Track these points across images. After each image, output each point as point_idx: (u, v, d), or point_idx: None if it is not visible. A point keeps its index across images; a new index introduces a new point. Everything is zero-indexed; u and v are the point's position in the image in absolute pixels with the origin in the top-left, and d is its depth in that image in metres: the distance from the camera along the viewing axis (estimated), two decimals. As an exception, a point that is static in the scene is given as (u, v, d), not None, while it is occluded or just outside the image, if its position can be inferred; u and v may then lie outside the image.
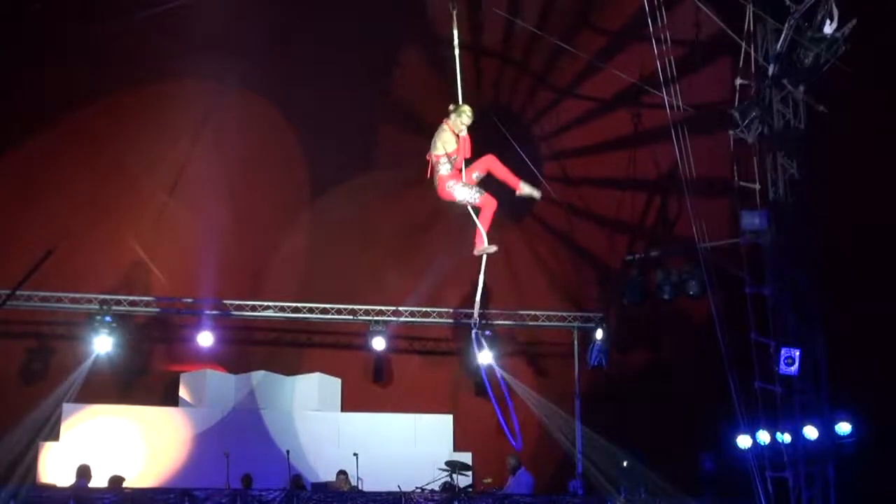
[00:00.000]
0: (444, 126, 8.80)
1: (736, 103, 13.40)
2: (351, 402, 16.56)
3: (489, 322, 16.17)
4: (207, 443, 15.18)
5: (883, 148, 12.55)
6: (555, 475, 15.87)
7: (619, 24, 14.98)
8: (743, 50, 13.07)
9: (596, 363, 16.17)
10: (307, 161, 16.08)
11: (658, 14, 12.60)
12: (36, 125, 14.98)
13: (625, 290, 15.49)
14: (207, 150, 15.52)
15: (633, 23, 14.30)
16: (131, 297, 15.55)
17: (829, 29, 12.15)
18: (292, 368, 16.64)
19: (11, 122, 14.60)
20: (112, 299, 15.41)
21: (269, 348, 16.95)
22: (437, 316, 16.28)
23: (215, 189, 15.59)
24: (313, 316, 16.23)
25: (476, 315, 10.54)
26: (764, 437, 13.27)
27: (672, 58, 13.00)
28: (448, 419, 16.45)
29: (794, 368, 12.71)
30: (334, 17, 14.64)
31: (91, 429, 15.20)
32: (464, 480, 14.99)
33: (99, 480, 13.18)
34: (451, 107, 8.91)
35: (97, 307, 15.31)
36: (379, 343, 15.99)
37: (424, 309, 16.18)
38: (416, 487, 13.53)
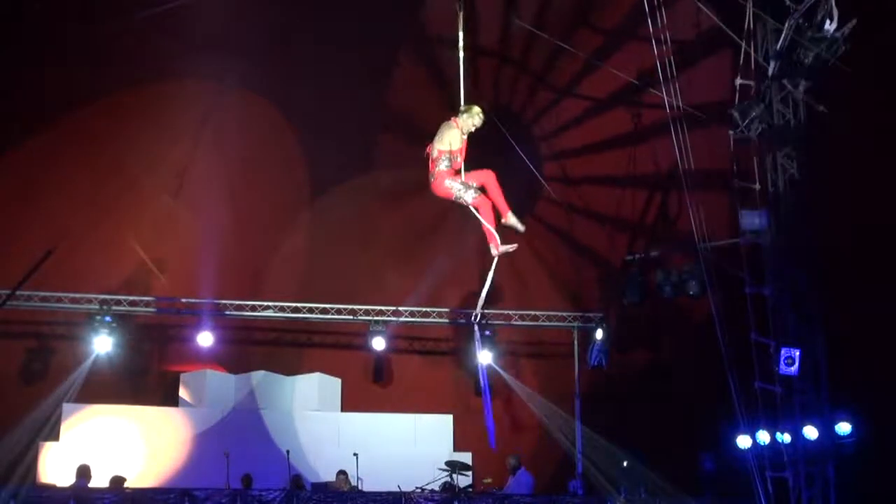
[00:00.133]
0: (453, 123, 8.78)
1: (736, 103, 13.40)
2: (351, 402, 16.56)
3: (489, 322, 16.16)
4: (207, 443, 15.19)
5: (883, 148, 12.54)
6: (555, 475, 15.87)
7: (618, 22, 14.98)
8: (743, 49, 13.07)
9: (596, 363, 16.17)
10: (307, 161, 16.08)
11: (658, 13, 12.59)
12: (36, 125, 14.98)
13: (625, 290, 15.48)
14: (207, 150, 15.53)
15: (631, 21, 14.30)
16: (131, 297, 15.56)
17: (829, 29, 12.14)
18: (292, 368, 16.64)
19: (11, 122, 14.60)
20: (112, 299, 15.41)
21: (269, 348, 16.95)
22: (437, 316, 16.29)
23: (215, 189, 15.59)
24: (313, 316, 16.23)
25: (479, 310, 10.49)
26: (764, 437, 13.27)
27: (671, 56, 12.98)
28: (448, 419, 16.45)
29: (794, 368, 12.71)
30: (334, 17, 14.64)
31: (91, 429, 15.21)
32: (464, 480, 14.99)
33: (99, 481, 13.19)
34: (463, 107, 8.88)
35: (97, 307, 15.32)
36: (379, 343, 16.00)
37: (424, 309, 16.19)
38: (416, 487, 13.54)
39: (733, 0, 12.96)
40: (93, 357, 15.30)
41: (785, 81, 13.10)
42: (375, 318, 16.10)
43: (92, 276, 15.56)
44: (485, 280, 9.19)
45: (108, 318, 15.29)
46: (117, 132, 15.28)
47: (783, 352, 12.76)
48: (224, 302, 15.84)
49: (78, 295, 15.36)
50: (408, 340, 17.11)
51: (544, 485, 15.21)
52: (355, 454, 13.93)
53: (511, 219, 8.97)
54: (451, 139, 8.68)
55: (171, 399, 16.09)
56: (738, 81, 13.29)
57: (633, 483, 13.61)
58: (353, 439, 15.12)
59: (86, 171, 15.37)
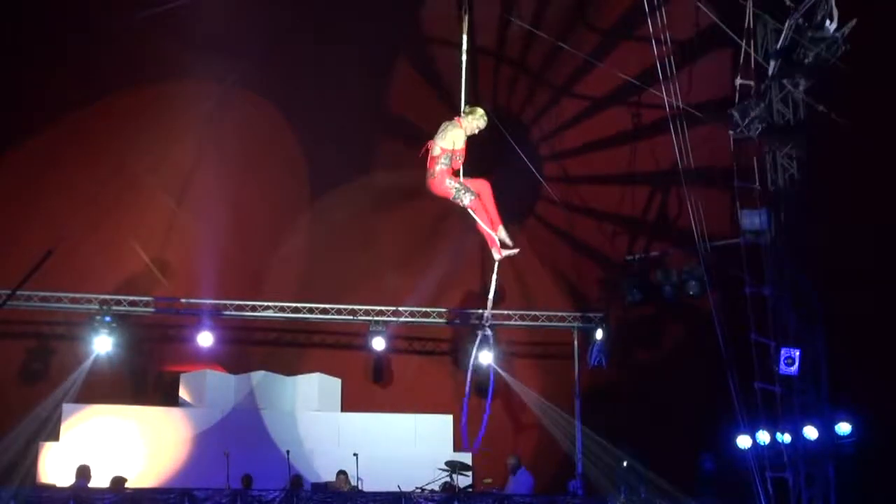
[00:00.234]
0: (457, 123, 8.78)
1: (736, 103, 13.40)
2: (351, 403, 16.56)
3: (489, 322, 16.16)
4: (207, 443, 15.19)
5: (883, 148, 12.54)
6: (555, 475, 15.86)
7: (616, 20, 14.98)
8: (743, 49, 13.07)
9: (596, 363, 16.16)
10: (307, 161, 16.07)
11: (658, 13, 12.59)
12: (36, 125, 14.98)
13: (625, 290, 15.48)
14: (208, 151, 15.52)
15: (629, 19, 14.31)
16: (131, 298, 15.55)
17: (829, 29, 12.14)
18: (292, 368, 16.64)
19: (11, 122, 14.60)
20: (112, 299, 15.41)
21: (269, 348, 16.95)
22: (437, 316, 16.28)
23: (215, 189, 15.57)
24: (313, 316, 16.23)
25: (489, 313, 10.47)
26: (764, 437, 13.28)
27: (671, 55, 12.98)
28: (448, 419, 16.45)
29: (794, 368, 12.72)
30: (334, 17, 14.64)
31: (91, 429, 15.21)
32: (464, 480, 15.00)
33: (99, 481, 13.20)
34: (467, 108, 8.89)
35: (97, 307, 15.31)
36: (379, 343, 15.99)
37: (424, 309, 16.18)
38: (416, 487, 13.56)
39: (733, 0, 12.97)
40: (93, 357, 15.29)
41: (785, 81, 13.10)
42: (375, 318, 16.09)
43: (92, 277, 15.55)
44: (488, 282, 9.17)
45: (108, 319, 15.27)
46: (117, 132, 15.27)
47: (783, 352, 12.77)
48: (224, 302, 15.84)
49: (78, 295, 15.35)
50: (408, 340, 17.11)
51: (544, 485, 15.21)
52: (355, 454, 13.93)
53: (502, 233, 8.96)
54: (455, 138, 8.68)
55: (171, 399, 16.09)
56: (738, 81, 13.30)
57: (633, 483, 13.61)
58: (352, 439, 15.13)
59: (86, 172, 15.36)
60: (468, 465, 15.25)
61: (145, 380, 16.36)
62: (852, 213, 13.06)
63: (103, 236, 15.43)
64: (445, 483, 14.47)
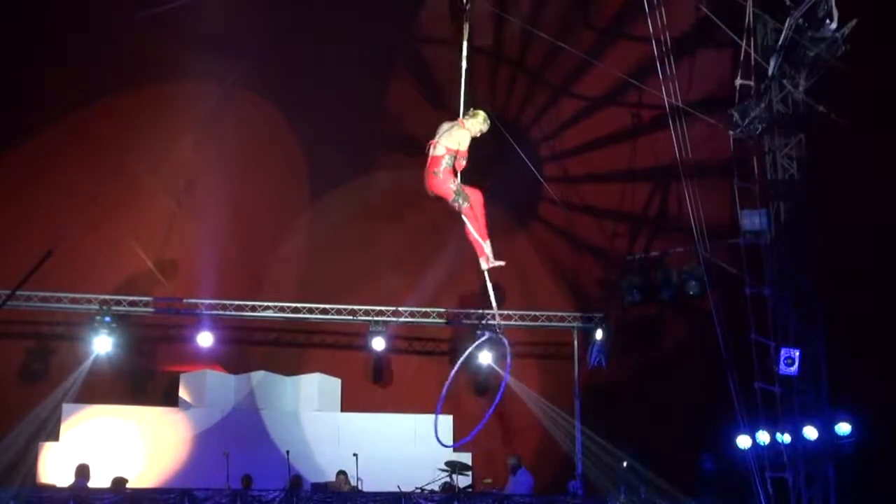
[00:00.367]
0: (460, 124, 8.79)
1: (736, 103, 13.40)
2: (351, 403, 16.56)
3: (488, 322, 16.15)
4: (207, 443, 15.19)
5: (883, 148, 12.54)
6: (555, 475, 15.86)
7: (612, 18, 14.99)
8: (743, 49, 13.07)
9: (596, 363, 16.16)
10: (307, 161, 16.08)
11: (658, 12, 12.60)
12: (36, 125, 14.98)
13: (625, 290, 15.48)
14: (208, 151, 15.52)
15: (625, 17, 14.34)
16: (131, 298, 15.55)
17: (829, 29, 12.15)
18: (292, 369, 16.63)
19: (11, 122, 14.60)
20: (112, 299, 15.40)
21: (268, 349, 16.94)
22: (437, 316, 16.28)
23: (216, 189, 15.57)
24: (313, 316, 16.22)
25: (498, 321, 10.44)
26: (764, 437, 13.29)
27: (670, 54, 12.98)
28: (448, 419, 16.42)
29: (793, 369, 12.73)
30: (334, 17, 14.64)
31: (91, 429, 15.21)
32: (464, 481, 14.99)
33: (100, 481, 13.21)
34: (471, 111, 8.88)
35: (97, 307, 15.31)
36: (379, 343, 15.99)
37: (424, 309, 16.18)
38: (416, 488, 13.55)
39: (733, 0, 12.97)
40: (93, 357, 15.29)
41: (785, 81, 13.10)
42: (375, 318, 16.09)
43: (92, 277, 15.55)
44: (485, 288, 9.15)
45: (107, 319, 15.27)
46: (117, 132, 15.27)
47: (783, 352, 12.78)
48: (224, 302, 15.83)
49: (78, 295, 15.34)
50: (407, 341, 17.11)
51: (544, 485, 15.21)
52: (355, 454, 13.93)
53: (487, 247, 8.95)
54: (461, 139, 8.68)
55: (170, 399, 16.08)
56: (738, 81, 13.29)
57: (633, 483, 13.61)
58: (352, 439, 15.13)
59: (86, 172, 15.35)
60: (468, 466, 15.25)
61: (145, 380, 16.35)
62: (852, 213, 13.06)
63: (103, 236, 15.42)
64: (445, 483, 14.47)
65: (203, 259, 15.58)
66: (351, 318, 16.18)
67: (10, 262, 14.17)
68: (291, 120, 15.67)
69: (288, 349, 16.96)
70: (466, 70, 9.03)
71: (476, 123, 8.75)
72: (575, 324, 16.57)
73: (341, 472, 14.16)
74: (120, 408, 15.56)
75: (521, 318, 16.43)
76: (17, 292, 14.02)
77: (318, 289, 16.21)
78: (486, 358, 15.91)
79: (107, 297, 15.41)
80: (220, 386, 16.06)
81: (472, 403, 16.58)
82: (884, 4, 12.41)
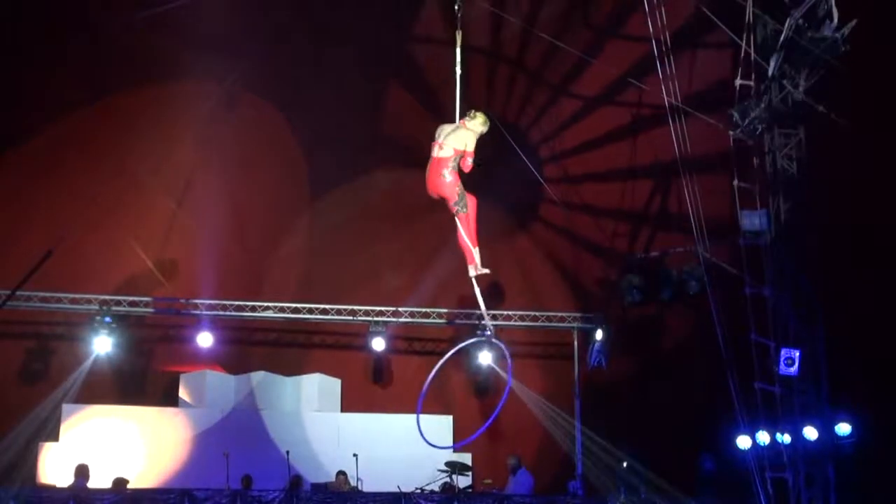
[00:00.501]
0: (462, 125, 8.79)
1: (736, 103, 13.41)
2: (351, 403, 16.54)
3: (487, 324, 16.14)
4: (207, 443, 15.18)
5: (883, 148, 12.54)
6: (555, 476, 15.85)
7: (612, 17, 15.00)
8: (743, 50, 13.07)
9: (596, 363, 16.16)
10: (307, 161, 16.08)
11: (658, 13, 12.60)
12: (36, 125, 14.99)
13: (625, 291, 15.47)
14: (208, 151, 15.52)
15: (624, 15, 14.35)
16: (131, 298, 15.54)
17: (829, 29, 12.15)
18: (292, 369, 16.62)
19: (12, 122, 14.60)
20: (112, 300, 15.40)
21: (268, 349, 16.93)
22: (437, 316, 16.27)
23: (216, 189, 15.58)
24: (313, 316, 16.21)
25: (490, 328, 10.47)
26: (764, 437, 13.28)
27: (670, 54, 12.98)
28: (448, 420, 16.44)
29: (793, 369, 12.73)
30: (334, 17, 14.64)
31: (91, 429, 15.20)
32: (464, 481, 14.99)
33: (100, 481, 13.21)
34: (472, 113, 8.88)
35: (97, 308, 15.30)
36: (379, 344, 15.98)
37: (424, 309, 16.17)
38: (416, 488, 13.55)
39: (734, 0, 12.97)
40: (92, 357, 15.28)
41: (785, 82, 13.10)
42: (375, 318, 16.08)
43: (92, 277, 15.54)
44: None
45: (107, 319, 15.26)
46: (117, 132, 15.28)
47: (783, 352, 12.77)
48: (224, 302, 15.83)
49: (78, 295, 15.34)
50: (407, 341, 17.10)
51: (544, 485, 15.21)
52: (355, 454, 13.93)
53: (476, 254, 8.96)
54: (468, 140, 8.70)
55: (170, 399, 16.07)
56: (738, 82, 13.30)
57: (633, 483, 13.60)
58: (352, 440, 15.11)
59: (86, 172, 15.35)
60: (468, 466, 15.24)
61: (145, 380, 16.34)
62: (852, 213, 13.06)
63: (103, 236, 15.42)
64: (445, 484, 14.47)
65: (203, 259, 15.58)
66: (351, 318, 16.17)
67: (10, 262, 14.15)
68: (291, 120, 15.68)
69: (288, 349, 16.95)
70: (461, 72, 9.02)
71: (477, 125, 8.75)
72: (575, 324, 16.56)
73: (341, 473, 14.16)
74: (120, 408, 15.55)
75: (522, 318, 16.43)
76: (17, 292, 14.00)
77: (318, 289, 16.20)
78: (486, 358, 15.90)
79: (107, 297, 15.40)
80: (220, 386, 16.05)
81: (472, 404, 16.58)
82: (884, 4, 12.42)
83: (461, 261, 9.11)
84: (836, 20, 11.99)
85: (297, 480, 14.13)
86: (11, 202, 15.17)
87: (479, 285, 9.09)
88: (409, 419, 16.14)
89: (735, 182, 13.58)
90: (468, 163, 8.77)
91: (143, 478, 14.51)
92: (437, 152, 8.70)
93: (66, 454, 14.68)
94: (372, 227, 16.41)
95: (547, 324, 16.55)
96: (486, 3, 13.96)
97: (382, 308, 16.13)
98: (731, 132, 13.54)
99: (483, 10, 14.42)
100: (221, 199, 15.68)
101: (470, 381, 16.63)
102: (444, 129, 8.79)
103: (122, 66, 14.81)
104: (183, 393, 16.07)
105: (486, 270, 8.95)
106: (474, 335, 15.87)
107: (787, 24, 12.41)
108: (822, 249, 13.12)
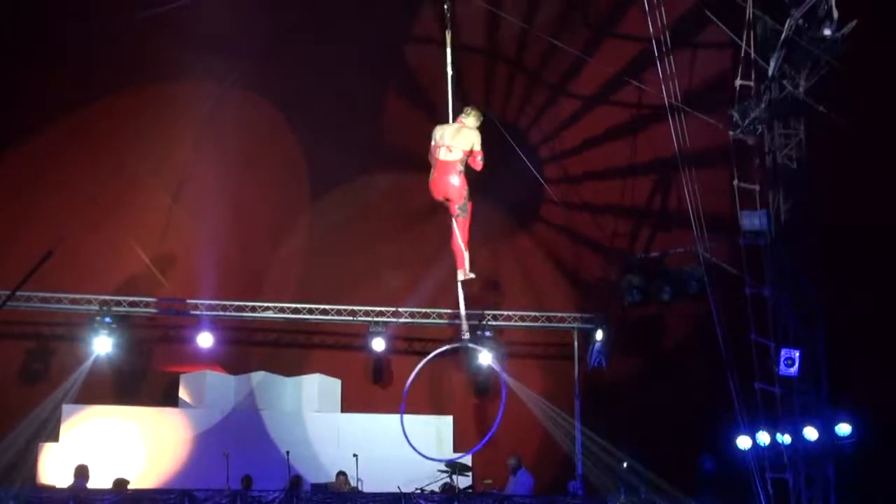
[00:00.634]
0: (462, 124, 8.79)
1: (736, 104, 13.41)
2: (351, 403, 16.54)
3: (488, 323, 16.16)
4: (207, 444, 15.17)
5: (883, 148, 12.55)
6: (555, 476, 15.85)
7: (610, 16, 15.01)
8: (742, 50, 13.07)
9: (595, 364, 16.16)
10: (307, 161, 16.08)
11: (659, 14, 12.61)
12: (36, 125, 14.99)
13: (625, 291, 15.47)
14: (207, 151, 15.51)
15: (622, 13, 14.36)
16: (131, 298, 15.54)
17: (828, 29, 12.15)
18: (292, 369, 16.61)
19: (11, 122, 14.60)
20: (112, 300, 15.40)
21: (268, 349, 16.92)
22: (437, 317, 16.26)
23: (215, 189, 15.57)
24: (313, 317, 16.21)
25: (466, 333, 10.56)
26: (764, 437, 13.27)
27: (669, 51, 12.99)
28: (448, 420, 16.45)
29: (794, 369, 12.73)
30: (334, 17, 14.64)
31: (91, 430, 15.20)
32: (464, 481, 14.98)
33: (100, 482, 13.20)
34: (467, 109, 8.89)
35: (97, 308, 15.30)
36: (379, 344, 15.97)
37: (424, 310, 16.16)
38: (416, 488, 13.55)
39: (733, 1, 12.97)
40: (93, 358, 15.28)
41: (785, 82, 13.11)
42: (375, 318, 16.08)
43: (92, 277, 15.54)
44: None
45: (107, 319, 15.26)
46: (117, 132, 15.28)
47: (783, 352, 12.78)
48: (224, 303, 15.83)
49: (78, 296, 15.34)
50: (407, 341, 17.08)
51: (544, 485, 15.20)
52: (355, 455, 13.93)
53: (466, 258, 8.98)
54: (475, 140, 8.73)
55: (170, 400, 16.07)
56: (738, 82, 13.30)
57: (633, 483, 13.60)
58: (352, 440, 15.11)
59: (86, 172, 15.36)
60: (468, 466, 15.23)
61: (145, 380, 16.34)
62: (852, 213, 13.06)
63: (103, 236, 15.42)
64: (445, 484, 14.47)
65: (203, 259, 15.58)
66: (351, 318, 16.17)
67: (10, 262, 14.17)
68: (291, 120, 15.68)
69: (288, 350, 16.95)
70: (453, 72, 9.04)
71: (474, 121, 8.77)
72: (575, 324, 16.56)
73: (341, 473, 14.16)
74: (120, 408, 15.55)
75: (522, 318, 16.44)
76: (17, 293, 14.01)
77: (318, 289, 16.20)
78: (486, 359, 15.89)
79: (107, 297, 15.41)
80: (220, 386, 16.04)
81: (472, 405, 16.58)
82: (884, 5, 12.42)
83: (468, 259, 9.13)
84: (835, 21, 11.99)
85: (297, 481, 14.12)
86: (11, 202, 15.16)
87: (464, 289, 9.13)
88: (409, 420, 16.13)
89: (735, 182, 13.58)
90: (479, 161, 8.80)
91: (143, 478, 14.51)
92: (445, 155, 8.70)
93: (66, 454, 14.67)
94: (372, 227, 16.41)
95: (547, 324, 16.55)
96: (483, 2, 13.95)
97: (382, 308, 16.13)
98: (731, 132, 13.54)
99: (482, 11, 14.42)
100: (221, 198, 15.68)
101: (470, 382, 16.63)
102: (445, 132, 8.80)
103: (122, 66, 14.81)
104: (183, 393, 16.07)
105: (473, 276, 9.00)
106: (475, 335, 15.98)
107: (787, 24, 12.41)
108: (822, 249, 13.12)
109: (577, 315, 16.51)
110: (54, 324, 15.88)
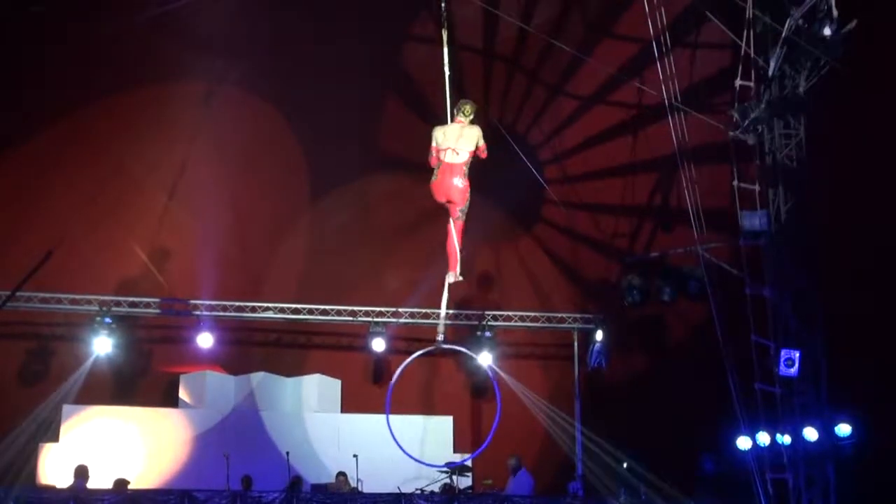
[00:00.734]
0: (462, 123, 8.79)
1: (736, 104, 13.41)
2: (351, 404, 16.53)
3: (489, 324, 16.15)
4: (207, 444, 15.16)
5: (883, 148, 12.55)
6: (555, 477, 15.84)
7: (608, 14, 15.02)
8: (742, 50, 13.07)
9: (595, 364, 16.16)
10: (307, 162, 16.08)
11: (659, 15, 12.61)
12: (36, 125, 14.99)
13: (625, 291, 15.47)
14: (207, 151, 15.51)
15: (619, 12, 14.37)
16: (131, 299, 15.55)
17: (828, 31, 12.15)
18: (292, 370, 16.61)
19: (12, 122, 14.60)
20: (112, 300, 15.40)
21: (268, 349, 16.92)
22: (437, 317, 16.22)
23: (215, 190, 15.58)
24: (313, 317, 16.21)
25: (441, 336, 10.61)
26: (764, 438, 13.27)
27: (669, 50, 12.99)
28: (448, 420, 16.44)
29: (794, 370, 12.73)
30: (334, 17, 14.64)
31: (91, 430, 15.19)
32: (464, 482, 14.97)
33: (100, 482, 13.19)
34: (464, 108, 8.89)
35: (97, 308, 15.30)
36: (379, 344, 15.96)
37: (424, 310, 16.14)
38: (416, 489, 13.54)
39: (733, 1, 12.96)
40: (92, 358, 15.27)
41: (785, 82, 13.11)
42: (375, 319, 16.07)
43: (92, 277, 15.54)
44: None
45: (107, 320, 15.26)
46: (117, 133, 15.28)
47: (783, 353, 12.78)
48: (224, 303, 15.83)
49: (78, 296, 15.34)
50: (407, 342, 17.05)
51: (544, 486, 15.19)
52: (355, 455, 13.92)
53: (460, 262, 9.01)
54: (477, 137, 8.74)
55: (170, 400, 16.07)
56: (738, 82, 13.30)
57: (633, 484, 13.60)
58: (352, 440, 15.09)
59: (86, 172, 15.36)
60: (468, 467, 15.22)
61: (145, 381, 16.33)
62: (852, 213, 13.06)
63: (103, 236, 15.42)
64: (445, 484, 14.46)
65: (203, 260, 15.58)
66: (351, 318, 16.17)
67: (10, 262, 14.13)
68: (291, 120, 15.67)
69: (288, 350, 16.95)
70: (450, 71, 9.04)
71: (472, 116, 8.78)
72: (575, 325, 16.57)
73: (341, 474, 14.16)
74: (120, 409, 15.54)
75: (522, 318, 16.44)
76: (17, 293, 14.00)
77: (318, 290, 16.20)
78: (486, 359, 15.87)
79: (107, 298, 15.41)
80: (220, 387, 16.04)
81: (472, 405, 16.57)
82: (884, 5, 12.42)
83: (460, 261, 9.14)
84: (835, 21, 11.99)
85: (297, 481, 14.12)
86: (11, 202, 15.17)
87: (450, 291, 9.17)
88: (409, 420, 16.18)
89: (735, 182, 13.58)
90: (484, 152, 8.82)
91: (143, 479, 14.49)
92: (452, 158, 8.69)
93: (66, 455, 14.67)
94: (372, 227, 16.41)
95: (547, 325, 16.56)
96: (482, 3, 13.97)
97: (382, 308, 16.13)
98: (731, 132, 13.54)
99: (481, 12, 14.43)
100: (221, 199, 15.69)
101: (469, 382, 16.62)
102: (447, 133, 8.79)
103: (121, 67, 14.81)
104: (183, 394, 16.06)
105: (461, 278, 9.03)
106: (475, 336, 15.99)
107: (787, 25, 12.41)
108: (822, 249, 13.12)
109: (578, 315, 16.52)
110: (54, 324, 15.87)
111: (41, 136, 15.05)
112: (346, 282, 16.32)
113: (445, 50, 9.05)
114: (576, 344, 16.61)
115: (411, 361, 10.15)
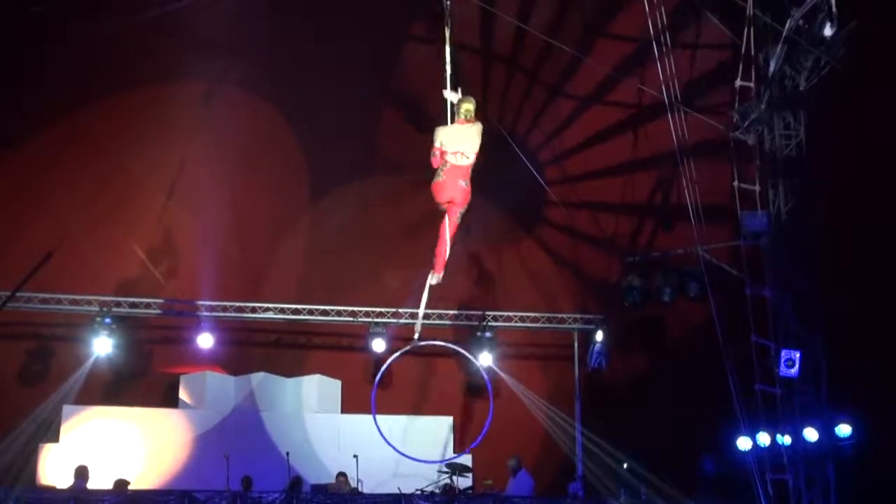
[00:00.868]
0: (463, 123, 8.78)
1: (736, 105, 13.42)
2: (351, 404, 16.52)
3: (489, 324, 16.15)
4: (207, 444, 15.16)
5: (883, 148, 12.54)
6: (555, 477, 15.84)
7: (607, 14, 15.04)
8: (743, 51, 13.07)
9: (595, 365, 16.16)
10: (307, 162, 16.07)
11: (659, 15, 12.62)
12: (36, 125, 14.99)
13: (625, 292, 15.47)
14: (207, 151, 15.51)
15: (617, 11, 14.39)
16: (131, 299, 15.55)
17: (828, 31, 12.15)
18: (292, 370, 16.62)
19: (12, 122, 14.60)
20: (112, 301, 15.41)
21: (269, 350, 16.93)
22: (437, 317, 16.26)
23: (215, 190, 15.58)
24: (313, 318, 16.22)
25: (417, 334, 10.65)
26: (764, 438, 13.28)
27: (670, 54, 13.00)
28: (448, 421, 16.44)
29: (794, 370, 12.73)
30: (334, 17, 14.64)
31: (91, 430, 15.18)
32: (464, 482, 14.97)
33: (100, 482, 13.19)
34: (464, 108, 8.88)
35: (97, 309, 15.31)
36: (379, 345, 15.96)
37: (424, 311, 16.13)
38: (417, 489, 13.53)
39: (733, 1, 12.97)
40: (93, 358, 15.29)
41: (785, 82, 13.11)
42: (375, 319, 16.07)
43: (92, 278, 15.55)
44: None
45: (107, 320, 15.27)
46: (117, 133, 15.28)
47: (783, 353, 12.79)
48: (224, 303, 15.83)
49: (78, 297, 15.34)
50: (407, 342, 17.00)
51: (544, 486, 15.19)
52: (355, 456, 13.92)
53: (445, 266, 9.04)
54: (479, 133, 8.74)
55: (170, 401, 16.07)
56: (738, 83, 13.30)
57: (633, 485, 13.59)
58: (353, 441, 15.08)
59: (86, 172, 15.36)
60: (468, 467, 15.22)
61: (145, 381, 16.34)
62: (852, 213, 13.06)
63: (103, 237, 15.42)
64: (445, 485, 14.46)
65: (203, 260, 15.59)
66: (351, 319, 16.18)
67: (10, 262, 14.15)
68: (291, 120, 15.67)
69: (288, 350, 16.96)
70: (451, 72, 9.03)
71: (472, 112, 8.77)
72: (575, 325, 16.57)
73: (341, 474, 14.15)
74: (120, 409, 15.53)
75: (522, 319, 16.44)
76: (17, 293, 14.01)
77: (318, 290, 16.20)
78: (486, 360, 15.88)
79: (107, 298, 15.42)
80: (221, 387, 16.04)
81: (471, 405, 16.57)
82: (884, 5, 12.42)
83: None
84: (836, 21, 11.99)
85: (297, 482, 14.11)
86: (11, 202, 15.17)
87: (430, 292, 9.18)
88: (409, 420, 16.19)
89: (735, 183, 13.59)
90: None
91: (143, 479, 14.49)
92: (460, 160, 8.67)
93: (66, 455, 14.66)
94: (372, 228, 16.41)
95: (547, 325, 16.57)
96: (481, 3, 13.98)
97: (382, 309, 16.12)
98: (731, 133, 13.54)
99: (481, 13, 14.43)
100: (221, 199, 15.69)
101: (469, 382, 16.62)
102: (452, 135, 8.75)
103: (122, 67, 14.81)
104: (183, 394, 16.07)
105: (440, 281, 9.09)
106: (475, 336, 15.99)
107: (787, 26, 12.41)
108: (822, 249, 13.12)
109: (578, 316, 16.52)
110: (54, 325, 15.88)
111: (41, 136, 15.05)
112: (346, 282, 16.32)
113: (448, 49, 9.04)
114: (576, 344, 16.61)
115: (390, 364, 10.16)
